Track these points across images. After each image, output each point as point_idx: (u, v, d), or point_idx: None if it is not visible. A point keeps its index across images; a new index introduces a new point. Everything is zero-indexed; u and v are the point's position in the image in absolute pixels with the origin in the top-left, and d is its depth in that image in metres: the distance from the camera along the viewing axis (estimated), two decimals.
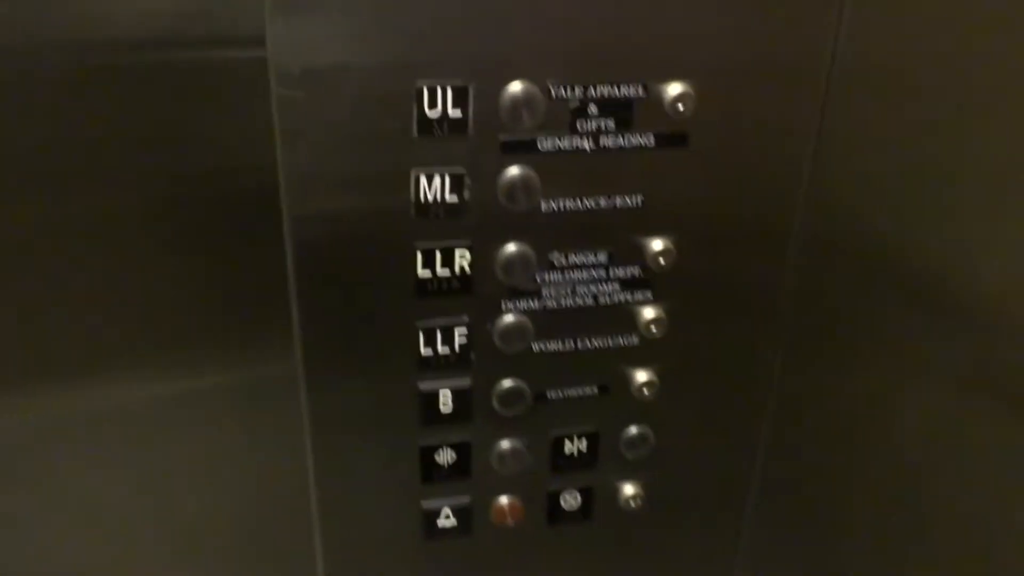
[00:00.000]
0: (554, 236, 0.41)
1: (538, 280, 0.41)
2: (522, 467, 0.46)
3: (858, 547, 0.55)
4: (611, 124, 0.38)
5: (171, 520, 0.45)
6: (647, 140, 0.39)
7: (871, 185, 0.43)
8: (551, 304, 0.42)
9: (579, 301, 0.42)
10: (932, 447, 0.52)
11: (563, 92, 0.38)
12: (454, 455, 0.45)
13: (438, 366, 0.42)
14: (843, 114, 0.41)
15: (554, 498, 0.48)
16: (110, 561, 0.45)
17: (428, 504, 0.46)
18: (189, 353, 0.41)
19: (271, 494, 0.45)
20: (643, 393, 0.45)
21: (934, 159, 0.44)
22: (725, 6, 0.37)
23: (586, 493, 0.48)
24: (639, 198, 0.40)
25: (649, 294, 0.43)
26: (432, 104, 0.36)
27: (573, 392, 0.45)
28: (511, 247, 0.40)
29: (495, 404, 0.44)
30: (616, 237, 0.41)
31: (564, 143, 0.38)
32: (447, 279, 0.40)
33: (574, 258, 0.41)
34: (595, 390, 0.45)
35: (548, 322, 0.43)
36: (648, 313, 0.43)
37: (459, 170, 0.38)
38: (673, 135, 0.39)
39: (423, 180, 0.38)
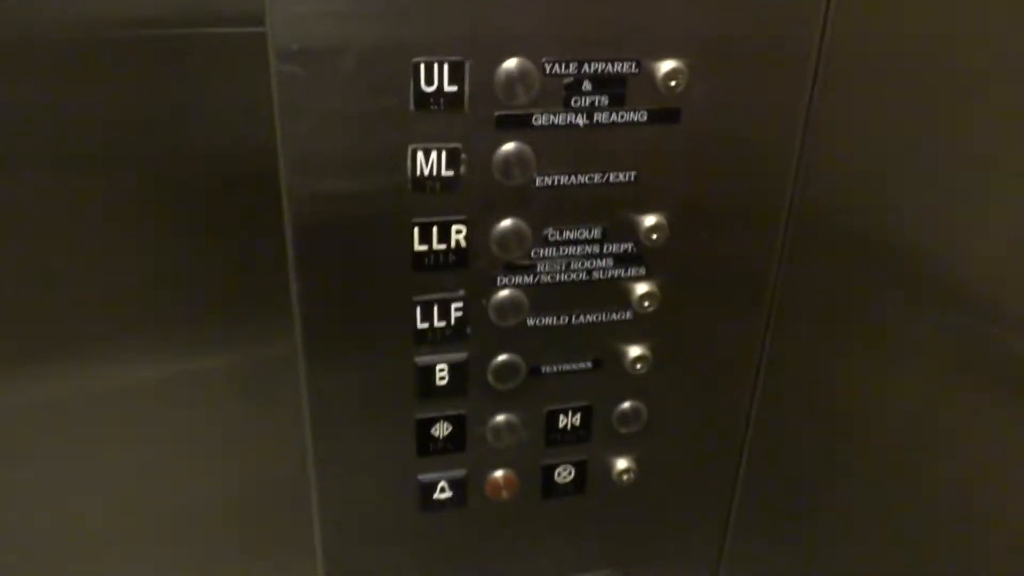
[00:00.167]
0: (548, 211, 0.41)
1: (533, 255, 0.42)
2: (517, 441, 0.46)
3: (845, 518, 0.56)
4: (604, 100, 0.39)
5: (171, 497, 0.45)
6: (640, 116, 0.40)
7: (862, 162, 0.44)
8: (545, 279, 0.43)
9: (573, 276, 0.43)
10: (917, 422, 0.53)
11: (557, 68, 0.38)
12: (450, 428, 0.45)
13: (434, 340, 0.43)
14: (834, 91, 0.41)
15: (548, 471, 0.48)
16: (108, 539, 0.45)
17: (424, 477, 0.47)
18: (188, 332, 0.42)
19: (270, 468, 0.46)
20: (636, 368, 0.45)
21: (925, 138, 0.44)
22: None
23: (579, 467, 0.48)
24: (632, 174, 0.41)
25: (642, 270, 0.44)
26: (429, 80, 0.37)
27: (567, 367, 0.45)
28: (506, 222, 0.41)
29: (490, 378, 0.44)
30: (610, 213, 0.42)
31: (558, 119, 0.39)
32: (443, 252, 0.41)
33: (568, 233, 0.42)
34: (589, 365, 0.46)
35: (542, 297, 0.43)
36: (641, 288, 0.44)
37: (455, 145, 0.39)
38: (666, 111, 0.40)
39: (420, 155, 0.38)
